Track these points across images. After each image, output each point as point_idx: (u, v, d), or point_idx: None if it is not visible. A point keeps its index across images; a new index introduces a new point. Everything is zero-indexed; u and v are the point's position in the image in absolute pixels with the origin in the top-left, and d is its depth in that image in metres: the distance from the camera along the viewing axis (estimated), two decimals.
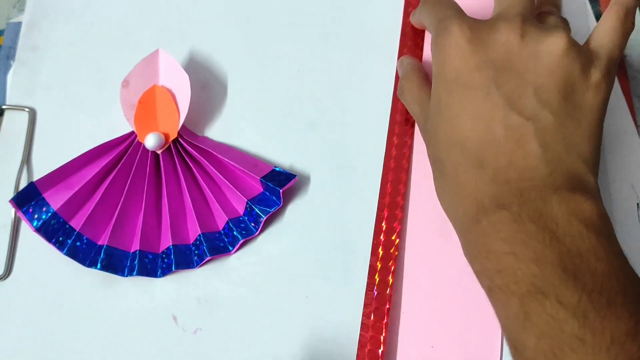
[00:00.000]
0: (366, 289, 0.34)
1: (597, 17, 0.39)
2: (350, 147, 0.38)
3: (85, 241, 0.37)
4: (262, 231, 0.37)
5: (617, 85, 0.37)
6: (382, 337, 0.33)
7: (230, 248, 0.36)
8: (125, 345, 0.36)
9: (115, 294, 0.37)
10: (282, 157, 0.39)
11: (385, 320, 0.33)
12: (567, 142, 0.28)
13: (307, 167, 0.38)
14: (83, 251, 0.37)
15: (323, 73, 0.40)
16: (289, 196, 0.38)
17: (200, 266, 0.36)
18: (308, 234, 0.37)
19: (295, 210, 0.37)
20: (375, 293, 0.34)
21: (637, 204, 0.34)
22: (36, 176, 0.40)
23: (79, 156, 0.38)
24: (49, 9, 0.44)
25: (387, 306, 0.33)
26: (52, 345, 0.36)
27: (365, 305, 0.34)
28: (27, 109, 0.41)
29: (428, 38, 0.39)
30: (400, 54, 0.39)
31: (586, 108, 0.29)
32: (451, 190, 0.30)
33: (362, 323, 0.33)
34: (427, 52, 0.39)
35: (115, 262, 0.36)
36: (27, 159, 0.40)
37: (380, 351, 0.32)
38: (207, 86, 0.41)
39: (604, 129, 0.36)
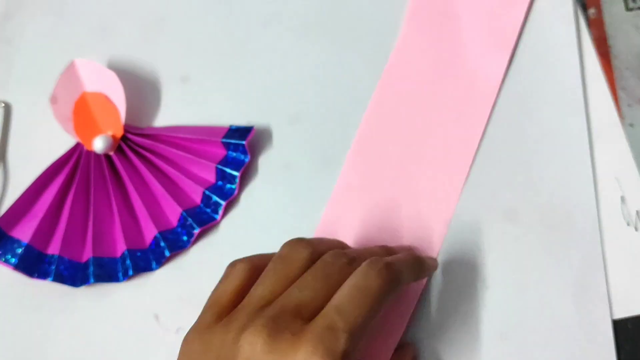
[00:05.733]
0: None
1: (583, 5, 0.39)
2: (334, 141, 0.38)
3: (67, 263, 0.36)
4: (246, 227, 0.37)
5: (602, 76, 0.37)
6: None
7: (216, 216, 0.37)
8: (107, 344, 0.35)
9: (96, 293, 0.36)
10: (264, 151, 0.38)
11: None
12: None
13: (291, 161, 0.38)
14: (69, 273, 0.36)
15: (306, 66, 0.40)
16: (273, 192, 0.37)
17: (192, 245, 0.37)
18: (293, 230, 0.36)
19: (278, 206, 0.37)
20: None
21: (621, 197, 0.34)
22: (13, 172, 0.39)
23: (32, 184, 0.37)
24: (24, 1, 0.43)
25: None
26: (33, 346, 0.36)
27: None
28: (2, 103, 0.41)
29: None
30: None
31: None
32: None
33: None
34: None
35: (107, 270, 0.36)
36: (3, 155, 0.39)
37: None
38: (188, 79, 0.40)
39: (588, 121, 0.36)
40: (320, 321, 0.25)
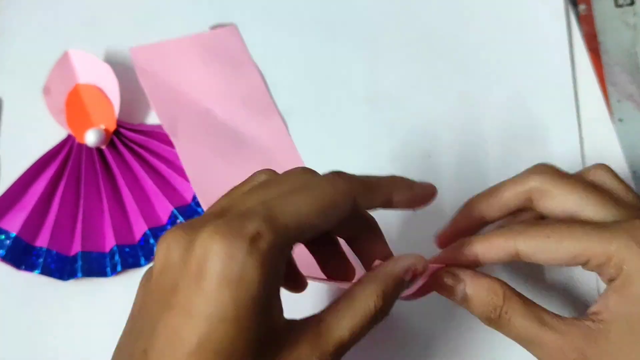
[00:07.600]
0: None
1: (573, 1, 0.39)
2: (327, 136, 0.38)
3: (55, 256, 0.36)
4: None
5: (592, 72, 0.37)
6: None
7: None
8: (94, 339, 0.35)
9: (84, 288, 0.36)
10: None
11: None
12: None
13: None
14: (56, 266, 0.36)
15: (299, 61, 0.40)
16: None
17: None
18: None
19: None
20: None
21: None
22: (4, 164, 0.39)
23: (22, 175, 0.37)
24: None
25: None
26: (19, 338, 0.35)
27: None
28: None
29: None
30: None
31: None
32: None
33: None
34: None
35: (95, 265, 0.36)
36: None
37: None
38: None
39: (579, 116, 0.36)
40: (237, 210, 0.22)
